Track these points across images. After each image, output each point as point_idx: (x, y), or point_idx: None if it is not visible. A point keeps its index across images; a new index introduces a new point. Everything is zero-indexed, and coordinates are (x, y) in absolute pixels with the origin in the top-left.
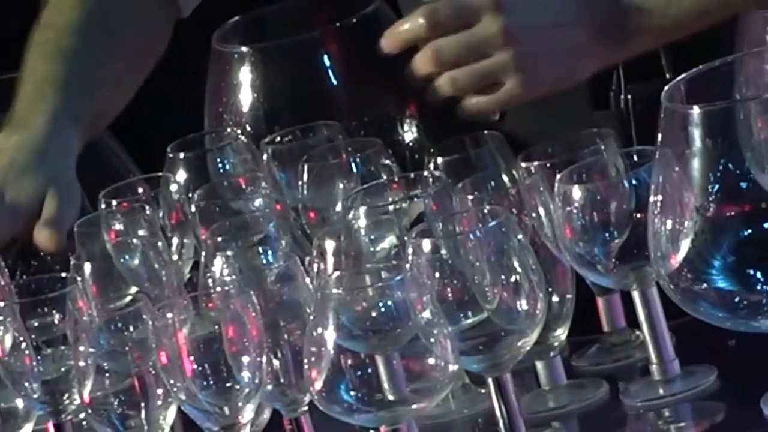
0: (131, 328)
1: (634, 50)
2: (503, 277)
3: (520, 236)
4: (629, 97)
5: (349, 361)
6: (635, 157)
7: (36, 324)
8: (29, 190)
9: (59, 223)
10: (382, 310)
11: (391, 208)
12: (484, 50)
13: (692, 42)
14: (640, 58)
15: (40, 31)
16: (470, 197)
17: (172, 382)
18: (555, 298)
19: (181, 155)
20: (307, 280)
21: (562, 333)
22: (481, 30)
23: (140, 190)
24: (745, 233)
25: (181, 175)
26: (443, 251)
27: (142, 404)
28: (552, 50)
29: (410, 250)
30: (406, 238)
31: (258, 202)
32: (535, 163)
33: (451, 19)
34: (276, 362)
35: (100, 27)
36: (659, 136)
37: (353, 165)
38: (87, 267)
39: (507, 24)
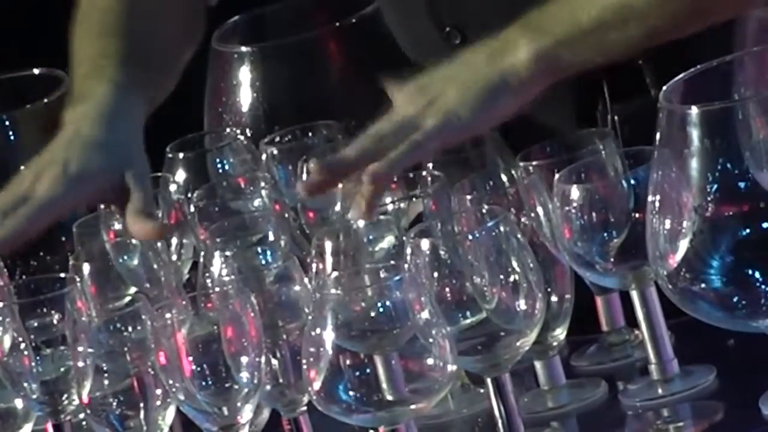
0: (130, 329)
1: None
2: (502, 277)
3: (518, 236)
4: (616, 117)
5: (348, 362)
6: (634, 157)
7: (35, 324)
8: (96, 163)
9: (153, 210)
10: (381, 310)
11: (389, 208)
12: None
13: (675, 58)
14: (624, 77)
15: (83, 16)
16: (469, 197)
17: (171, 382)
18: (554, 298)
19: (181, 155)
20: (306, 280)
21: (560, 333)
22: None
23: None
24: (744, 233)
25: (181, 175)
26: (442, 251)
27: (141, 404)
28: (461, 87)
29: (409, 250)
30: (404, 238)
31: (257, 202)
32: (534, 162)
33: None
34: (275, 362)
35: (140, 9)
36: (658, 135)
37: None
38: (86, 267)
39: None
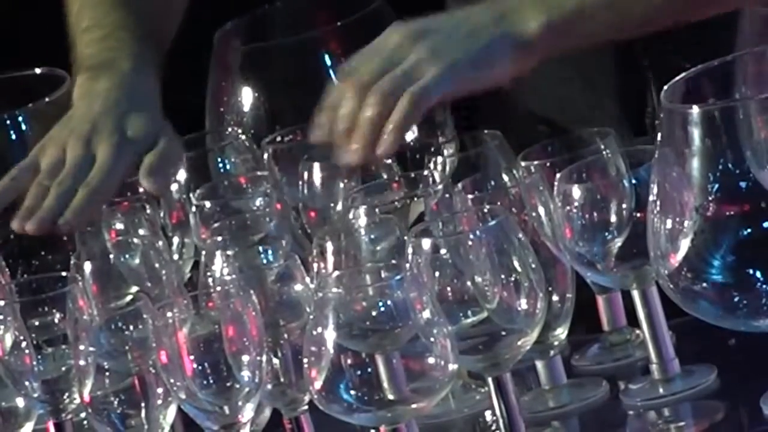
0: (131, 328)
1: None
2: (503, 276)
3: (520, 236)
4: None
5: (349, 361)
6: (635, 157)
7: (36, 323)
8: (146, 126)
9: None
10: (382, 309)
11: (397, 205)
12: (397, 57)
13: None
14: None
15: None
16: (470, 197)
17: (172, 381)
18: (555, 298)
19: None
20: (307, 279)
21: (562, 332)
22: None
23: (141, 189)
24: (745, 233)
25: (182, 175)
26: (443, 251)
27: (143, 403)
28: (463, 39)
29: (410, 250)
30: (406, 238)
31: (258, 201)
32: (535, 162)
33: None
34: (276, 361)
35: None
36: (659, 135)
37: None
38: (87, 266)
39: (413, 28)
